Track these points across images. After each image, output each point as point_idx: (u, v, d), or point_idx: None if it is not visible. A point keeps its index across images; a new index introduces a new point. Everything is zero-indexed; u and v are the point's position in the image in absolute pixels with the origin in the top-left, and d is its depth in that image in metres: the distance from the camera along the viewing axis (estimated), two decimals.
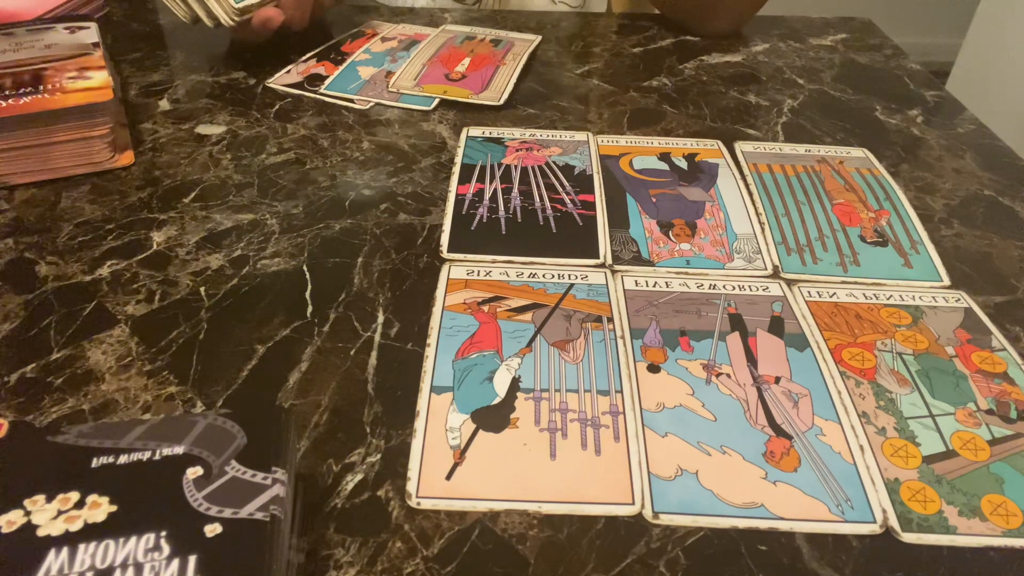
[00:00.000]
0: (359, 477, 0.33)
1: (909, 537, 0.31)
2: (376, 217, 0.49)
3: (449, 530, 0.31)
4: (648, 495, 0.32)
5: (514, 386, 0.37)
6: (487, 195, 0.51)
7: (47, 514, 0.26)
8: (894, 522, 0.32)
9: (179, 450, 0.28)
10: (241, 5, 0.61)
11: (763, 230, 0.49)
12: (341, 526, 0.31)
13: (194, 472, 0.27)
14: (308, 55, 0.70)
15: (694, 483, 0.33)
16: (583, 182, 0.53)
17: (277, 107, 0.62)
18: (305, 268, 0.45)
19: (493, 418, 0.35)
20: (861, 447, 0.35)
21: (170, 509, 0.26)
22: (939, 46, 2.16)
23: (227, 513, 0.26)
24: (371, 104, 0.62)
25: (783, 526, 0.31)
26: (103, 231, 0.47)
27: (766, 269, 0.46)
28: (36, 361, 0.38)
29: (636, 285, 0.44)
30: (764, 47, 0.77)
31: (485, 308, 0.42)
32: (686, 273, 0.45)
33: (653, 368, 0.38)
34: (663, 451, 0.34)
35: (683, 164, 0.56)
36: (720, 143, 0.59)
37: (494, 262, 0.45)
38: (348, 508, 0.32)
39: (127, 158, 0.54)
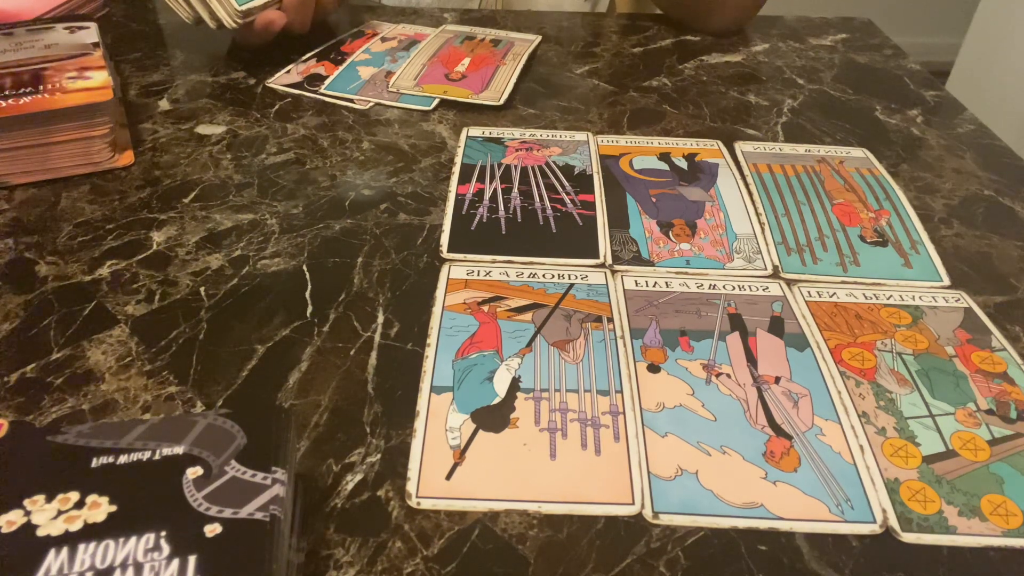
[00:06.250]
0: (359, 477, 0.33)
1: (909, 537, 0.31)
2: (376, 217, 0.49)
3: (449, 530, 0.31)
4: (648, 495, 0.32)
5: (514, 386, 0.37)
6: (487, 195, 0.51)
7: (47, 514, 0.26)
8: (894, 522, 0.32)
9: (179, 450, 0.28)
10: (244, 7, 0.61)
11: (763, 230, 0.49)
12: (341, 526, 0.31)
13: (194, 472, 0.27)
14: (308, 55, 0.70)
15: (694, 483, 0.33)
16: (583, 182, 0.53)
17: (277, 107, 0.62)
18: (305, 268, 0.45)
19: (493, 418, 0.35)
20: (861, 447, 0.35)
21: (170, 509, 0.26)
22: (939, 46, 2.16)
23: (227, 513, 0.26)
24: (371, 104, 0.62)
25: (783, 526, 0.31)
26: (103, 231, 0.47)
27: (766, 269, 0.46)
28: (36, 361, 0.38)
29: (636, 285, 0.44)
30: (764, 47, 0.77)
31: (485, 308, 0.42)
32: (686, 273, 0.45)
33: (653, 368, 0.38)
34: (663, 451, 0.34)
35: (683, 164, 0.56)
36: (720, 143, 0.59)
37: (494, 262, 0.45)
38: (348, 508, 0.32)
39: (127, 158, 0.54)
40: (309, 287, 0.43)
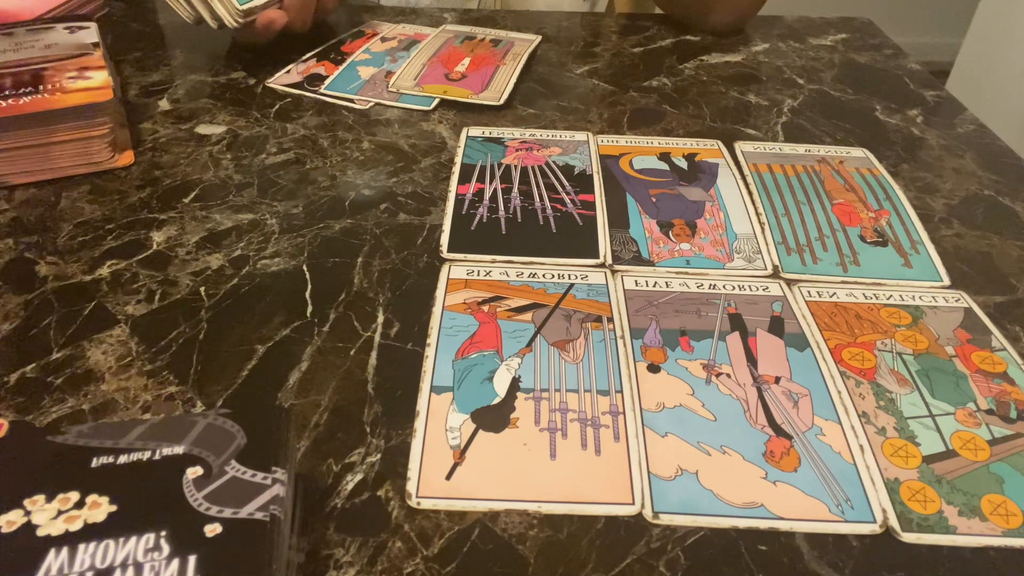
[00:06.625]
0: (359, 477, 0.33)
1: (909, 537, 0.31)
2: (376, 217, 0.49)
3: (449, 530, 0.31)
4: (648, 495, 0.32)
5: (514, 386, 0.37)
6: (487, 195, 0.51)
7: (47, 514, 0.26)
8: (894, 522, 0.32)
9: (179, 450, 0.28)
10: (245, 7, 0.61)
11: (763, 230, 0.49)
12: (341, 526, 0.31)
13: (194, 472, 0.27)
14: (308, 55, 0.70)
15: (694, 483, 0.33)
16: (583, 182, 0.53)
17: (277, 107, 0.62)
18: (305, 268, 0.45)
19: (493, 418, 0.35)
20: (861, 447, 0.35)
21: (170, 509, 0.26)
22: (939, 46, 2.16)
23: (227, 513, 0.26)
24: (371, 104, 0.62)
25: (783, 526, 0.31)
26: (103, 231, 0.47)
27: (766, 269, 0.46)
28: (36, 361, 0.38)
29: (636, 285, 0.44)
30: (764, 47, 0.77)
31: (485, 308, 0.42)
32: (686, 273, 0.45)
33: (653, 368, 0.38)
34: (663, 451, 0.34)
35: (683, 164, 0.56)
36: (720, 143, 0.59)
37: (494, 262, 0.45)
38: (348, 508, 0.32)
39: (127, 158, 0.54)
40: (309, 287, 0.43)
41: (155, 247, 0.46)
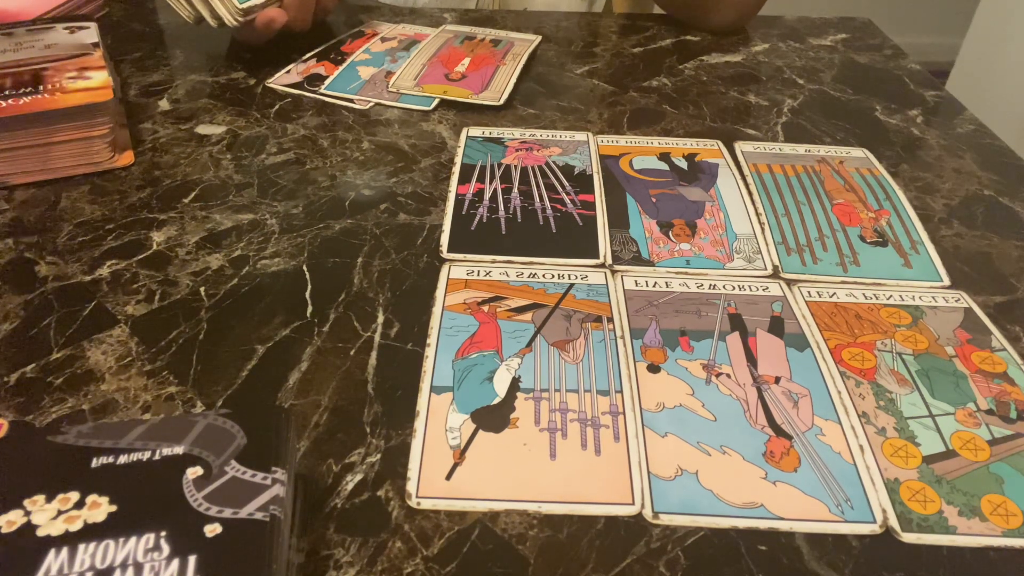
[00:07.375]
0: (359, 477, 0.33)
1: (909, 537, 0.31)
2: (376, 217, 0.49)
3: (449, 530, 0.31)
4: (648, 495, 0.32)
5: (514, 386, 0.37)
6: (487, 195, 0.51)
7: (47, 514, 0.26)
8: (894, 522, 0.32)
9: (179, 450, 0.28)
10: (245, 5, 0.61)
11: (763, 230, 0.49)
12: (341, 526, 0.31)
13: (194, 472, 0.27)
14: (308, 55, 0.70)
15: (694, 483, 0.33)
16: (583, 182, 0.53)
17: (277, 107, 0.62)
18: (305, 268, 0.45)
19: (493, 418, 0.35)
20: (861, 447, 0.35)
21: (170, 509, 0.26)
22: (939, 46, 2.16)
23: (227, 513, 0.26)
24: (371, 104, 0.62)
25: (783, 526, 0.31)
26: (103, 231, 0.47)
27: (766, 269, 0.46)
28: (36, 361, 0.38)
29: (636, 285, 0.44)
30: (764, 47, 0.77)
31: (485, 308, 0.42)
32: (686, 273, 0.45)
33: (653, 368, 0.38)
34: (663, 451, 0.34)
35: (683, 164, 0.56)
36: (720, 143, 0.59)
37: (494, 262, 0.45)
38: (348, 508, 0.32)
39: (127, 158, 0.54)
40: (309, 287, 0.43)
41: (155, 247, 0.46)
